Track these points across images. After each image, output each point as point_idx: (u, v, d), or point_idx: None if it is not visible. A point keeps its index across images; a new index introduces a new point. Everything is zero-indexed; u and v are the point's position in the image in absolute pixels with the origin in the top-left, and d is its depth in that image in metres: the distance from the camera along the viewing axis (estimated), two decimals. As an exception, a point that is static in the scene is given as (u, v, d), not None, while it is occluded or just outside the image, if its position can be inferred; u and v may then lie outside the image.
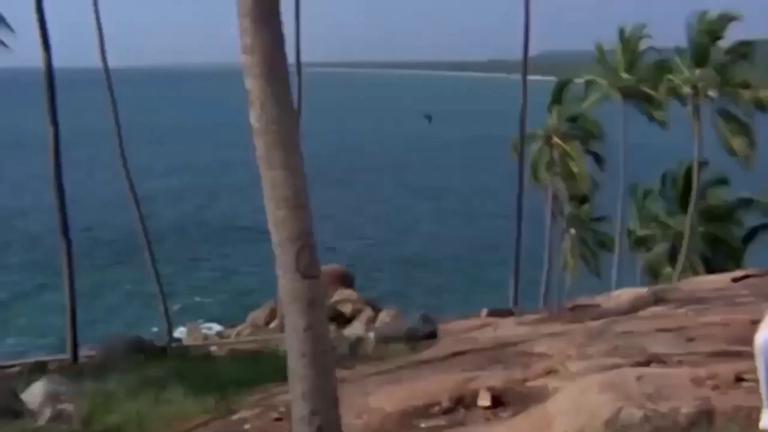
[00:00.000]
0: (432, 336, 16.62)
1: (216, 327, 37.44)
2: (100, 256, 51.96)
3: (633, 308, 14.99)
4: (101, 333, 32.30)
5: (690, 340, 10.45)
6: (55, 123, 24.58)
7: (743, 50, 37.14)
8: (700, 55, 36.99)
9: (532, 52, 35.63)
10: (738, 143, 36.23)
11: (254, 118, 5.32)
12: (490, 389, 9.07)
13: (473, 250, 56.57)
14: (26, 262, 52.83)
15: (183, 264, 51.14)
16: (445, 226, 65.26)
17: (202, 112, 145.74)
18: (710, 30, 36.83)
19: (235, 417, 9.49)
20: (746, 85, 36.07)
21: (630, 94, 39.70)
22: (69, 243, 25.56)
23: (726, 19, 37.04)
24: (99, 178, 69.76)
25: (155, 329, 31.80)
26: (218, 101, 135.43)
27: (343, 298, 34.02)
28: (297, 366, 5.29)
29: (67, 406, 10.10)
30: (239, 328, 34.41)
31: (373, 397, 9.45)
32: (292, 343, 5.29)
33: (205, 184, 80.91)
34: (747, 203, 38.22)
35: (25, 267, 51.50)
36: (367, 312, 32.10)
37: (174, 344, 24.91)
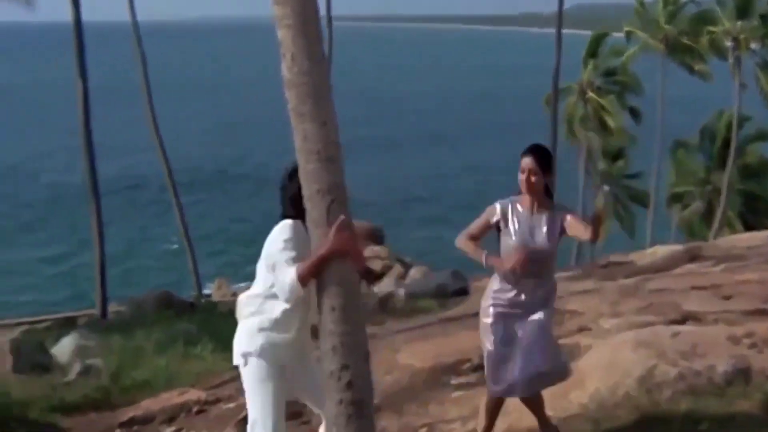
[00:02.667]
0: (462, 292, 16.54)
1: (245, 283, 37.57)
2: (130, 211, 52.29)
3: (668, 266, 14.77)
4: (130, 288, 32.52)
5: (726, 298, 10.24)
6: (84, 77, 24.58)
7: (788, 0, 36.43)
8: (742, 7, 36.27)
9: (565, 5, 35.15)
10: (780, 97, 35.67)
11: (285, 69, 5.20)
12: (519, 346, 8.95)
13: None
14: (56, 218, 53.26)
15: (213, 219, 51.38)
16: (478, 181, 64.99)
17: (232, 66, 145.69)
18: (753, -20, 36.14)
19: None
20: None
21: (671, 47, 39.13)
22: (98, 199, 25.71)
23: (769, -32, 36.30)
24: (127, 133, 70.00)
25: (184, 285, 31.99)
26: (250, 55, 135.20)
27: (373, 254, 33.97)
28: (327, 320, 5.20)
29: (96, 361, 10.12)
30: (270, 283, 34.56)
31: (403, 354, 9.36)
32: (322, 297, 5.19)
33: (237, 139, 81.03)
34: (788, 159, 37.76)
35: (58, 224, 51.92)
36: (397, 268, 32.03)
37: (203, 300, 25.02)
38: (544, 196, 5.87)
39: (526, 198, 5.89)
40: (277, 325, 5.42)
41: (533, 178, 5.79)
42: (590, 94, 38.56)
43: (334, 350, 5.19)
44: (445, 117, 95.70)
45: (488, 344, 6.04)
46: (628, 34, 40.71)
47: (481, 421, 6.36)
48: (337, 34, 31.37)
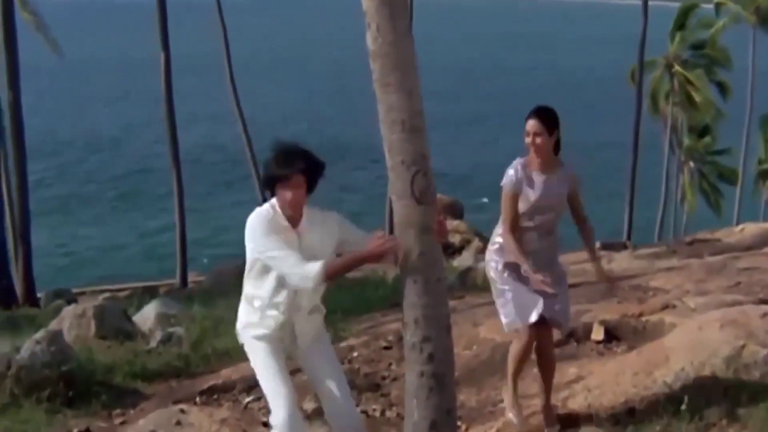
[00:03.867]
0: (542, 268, 16.32)
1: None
2: (209, 182, 52.89)
3: (757, 244, 14.42)
4: (210, 258, 32.94)
5: (819, 277, 9.95)
6: (166, 50, 24.86)
7: None
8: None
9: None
10: None
11: (370, 40, 5.16)
12: (603, 323, 8.81)
13: (585, 182, 55.49)
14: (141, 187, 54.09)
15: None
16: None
17: (313, 37, 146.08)
18: None
19: (342, 344, 9.44)
20: None
21: (763, 18, 38.06)
22: (179, 170, 26.09)
23: None
24: (208, 105, 70.78)
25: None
26: (332, 25, 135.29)
27: (452, 228, 33.85)
28: (409, 292, 5.16)
29: (177, 329, 10.22)
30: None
31: (483, 328, 9.28)
32: (405, 269, 5.15)
33: (315, 111, 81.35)
34: None
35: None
36: (476, 242, 31.85)
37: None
38: (551, 155, 6.05)
39: (534, 160, 6.01)
40: (253, 307, 5.42)
41: (538, 140, 5.91)
42: (677, 67, 37.75)
43: (416, 322, 5.15)
44: (529, 91, 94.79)
45: (501, 284, 6.15)
46: (718, 6, 39.67)
47: (510, 369, 6.38)
48: (421, 3, 31.15)
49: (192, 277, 25.69)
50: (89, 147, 64.87)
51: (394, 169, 5.18)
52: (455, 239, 33.06)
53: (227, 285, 15.29)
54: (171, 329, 10.25)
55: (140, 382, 8.91)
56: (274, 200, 5.27)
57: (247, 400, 7.81)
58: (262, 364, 5.40)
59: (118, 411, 8.26)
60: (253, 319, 5.40)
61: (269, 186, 5.24)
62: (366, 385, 7.96)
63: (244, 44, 73.73)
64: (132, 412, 8.23)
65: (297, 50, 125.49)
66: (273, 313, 5.33)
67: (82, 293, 22.82)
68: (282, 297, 5.28)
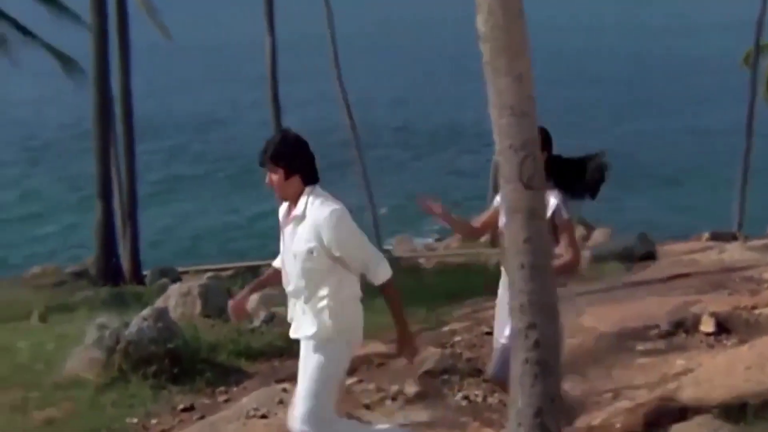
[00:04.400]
0: (649, 257, 16.06)
1: (423, 239, 37.65)
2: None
3: None
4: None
5: None
6: (272, 31, 25.03)
7: None
8: None
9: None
10: None
11: (480, 22, 5.08)
12: (713, 315, 8.58)
13: (695, 168, 54.11)
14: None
15: (394, 171, 51.65)
16: (666, 140, 62.63)
17: (423, 17, 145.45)
18: None
19: (445, 329, 9.41)
20: None
21: None
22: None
23: None
24: (314, 87, 71.26)
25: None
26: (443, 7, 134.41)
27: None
28: (516, 278, 5.07)
29: (280, 310, 10.30)
30: (447, 240, 34.53)
31: (587, 317, 9.14)
32: (512, 255, 5.06)
33: (426, 92, 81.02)
34: None
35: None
36: (580, 230, 31.46)
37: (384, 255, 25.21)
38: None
39: None
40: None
41: None
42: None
43: (521, 308, 5.06)
44: (641, 78, 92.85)
45: None
46: None
47: None
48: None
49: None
50: (198, 129, 65.99)
51: (502, 153, 5.10)
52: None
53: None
54: (274, 309, 10.34)
55: (243, 361, 9.02)
56: None
57: (350, 381, 7.82)
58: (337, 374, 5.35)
59: (221, 388, 8.38)
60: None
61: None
62: (468, 370, 7.90)
63: (351, 25, 73.88)
64: (235, 389, 8.33)
65: (408, 31, 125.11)
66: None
67: (186, 272, 23.23)
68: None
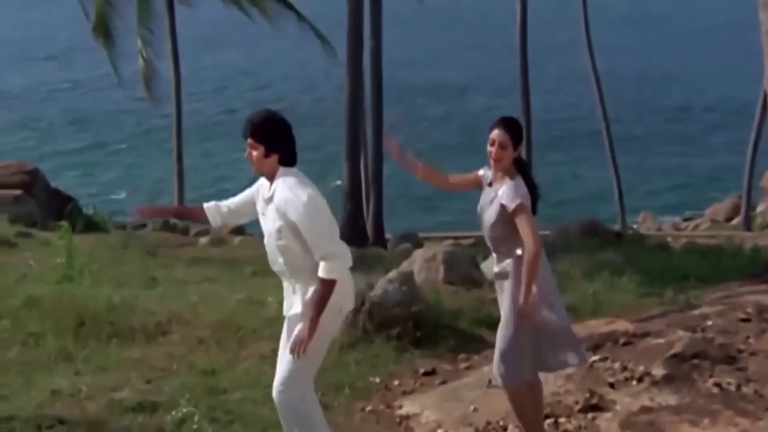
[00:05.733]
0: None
1: (670, 216, 36.37)
2: (555, 137, 52.39)
3: None
4: (553, 214, 32.71)
5: None
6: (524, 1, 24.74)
7: None
8: None
9: None
10: None
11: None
12: None
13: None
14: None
15: (639, 148, 50.09)
16: None
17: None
18: None
19: (695, 312, 9.01)
20: None
21: None
22: (528, 121, 26.20)
23: None
24: (563, 60, 70.08)
25: (610, 215, 31.57)
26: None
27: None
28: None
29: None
30: (696, 221, 33.23)
31: None
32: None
33: (666, 68, 78.01)
34: None
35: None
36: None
37: (629, 232, 24.57)
38: (511, 170, 5.62)
39: (492, 169, 5.73)
40: None
41: (502, 152, 5.57)
42: None
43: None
44: None
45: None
46: None
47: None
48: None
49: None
50: (436, 95, 66.51)
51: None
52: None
53: (572, 241, 15.09)
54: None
55: (485, 330, 8.98)
56: None
57: (594, 358, 7.63)
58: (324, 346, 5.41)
59: (463, 355, 8.41)
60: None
61: None
62: (720, 356, 7.51)
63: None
64: (476, 357, 8.33)
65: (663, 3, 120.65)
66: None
67: (427, 238, 23.44)
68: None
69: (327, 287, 5.09)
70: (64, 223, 12.39)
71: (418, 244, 19.27)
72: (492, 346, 8.57)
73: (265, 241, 5.41)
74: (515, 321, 5.65)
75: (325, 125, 39.60)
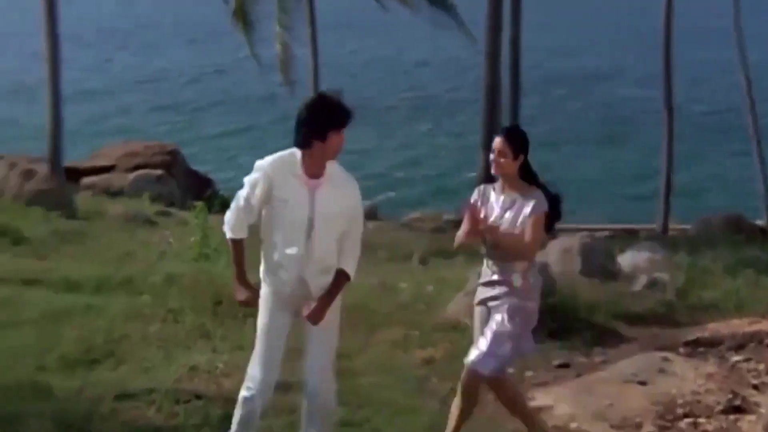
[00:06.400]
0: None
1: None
2: (701, 129, 50.86)
3: None
4: (693, 208, 31.83)
5: None
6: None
7: None
8: None
9: None
10: None
11: None
12: None
13: None
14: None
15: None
16: None
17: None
18: None
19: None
20: None
21: None
22: (671, 119, 25.56)
23: None
24: (711, 50, 67.96)
25: (753, 210, 30.51)
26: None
27: None
28: None
29: (662, 276, 9.94)
30: None
31: None
32: None
33: None
34: None
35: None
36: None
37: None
38: (516, 179, 5.67)
39: (499, 181, 5.75)
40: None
41: (501, 160, 5.60)
42: None
43: None
44: None
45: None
46: None
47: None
48: None
49: (673, 223, 25.07)
50: (579, 84, 65.31)
51: None
52: None
53: (715, 235, 14.63)
54: (656, 275, 10.00)
55: (622, 324, 8.80)
56: (294, 149, 5.15)
57: (736, 359, 7.37)
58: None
59: (598, 349, 8.23)
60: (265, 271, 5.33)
61: (317, 131, 5.00)
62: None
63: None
64: (612, 352, 8.14)
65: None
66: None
67: (560, 229, 23.06)
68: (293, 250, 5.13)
69: (346, 281, 5.39)
70: (200, 203, 12.65)
71: (553, 235, 19.01)
72: (629, 341, 8.42)
73: (314, 223, 5.12)
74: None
75: (464, 113, 39.43)
